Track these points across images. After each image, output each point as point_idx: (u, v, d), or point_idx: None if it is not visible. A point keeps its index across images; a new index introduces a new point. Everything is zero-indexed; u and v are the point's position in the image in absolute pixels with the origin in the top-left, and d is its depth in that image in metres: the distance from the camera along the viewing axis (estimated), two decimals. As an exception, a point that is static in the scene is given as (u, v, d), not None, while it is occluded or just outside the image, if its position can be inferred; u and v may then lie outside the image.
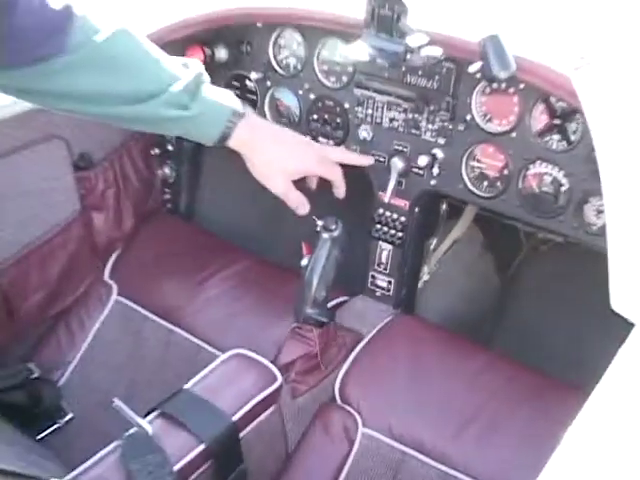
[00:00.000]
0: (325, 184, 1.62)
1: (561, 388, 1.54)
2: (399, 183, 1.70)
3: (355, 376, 1.63)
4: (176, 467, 1.27)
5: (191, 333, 1.77)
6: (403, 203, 1.74)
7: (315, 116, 1.78)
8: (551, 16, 1.12)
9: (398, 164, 1.67)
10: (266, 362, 1.57)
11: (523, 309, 2.09)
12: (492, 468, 1.43)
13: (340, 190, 1.64)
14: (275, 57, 1.80)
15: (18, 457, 1.28)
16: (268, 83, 1.82)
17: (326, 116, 1.76)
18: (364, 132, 1.72)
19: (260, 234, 2.08)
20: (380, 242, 1.81)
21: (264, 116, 1.83)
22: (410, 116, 1.65)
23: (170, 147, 2.06)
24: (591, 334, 1.50)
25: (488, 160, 1.60)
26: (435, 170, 1.66)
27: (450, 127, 1.61)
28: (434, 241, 1.88)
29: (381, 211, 1.76)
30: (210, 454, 1.35)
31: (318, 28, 1.69)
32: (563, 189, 1.52)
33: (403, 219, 1.76)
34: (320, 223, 1.61)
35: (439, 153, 1.64)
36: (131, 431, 1.30)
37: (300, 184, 1.58)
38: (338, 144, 1.76)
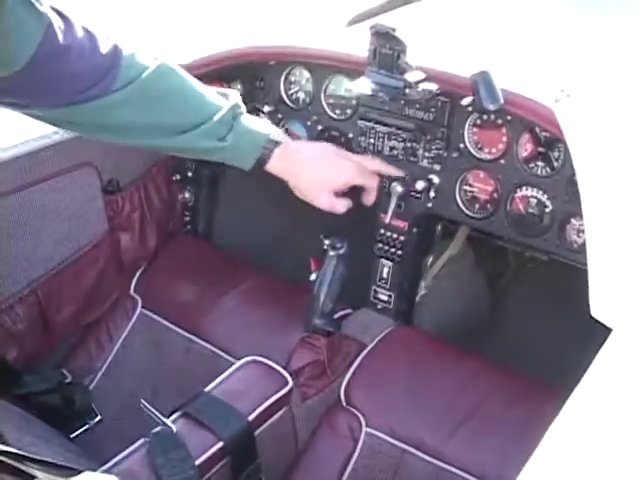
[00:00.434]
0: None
1: (546, 391, 1.53)
2: (399, 206, 1.71)
3: (359, 381, 1.63)
4: (197, 462, 1.28)
5: (209, 342, 1.78)
6: (402, 224, 1.75)
7: (322, 145, 1.79)
8: (531, 51, 1.15)
9: (398, 188, 1.68)
10: (278, 368, 1.57)
11: (512, 320, 2.10)
12: (484, 463, 1.44)
13: (371, 197, 1.65)
14: (286, 92, 1.82)
15: (56, 452, 1.29)
16: (280, 115, 1.84)
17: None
18: (366, 159, 1.73)
19: (272, 252, 2.08)
20: (381, 259, 1.81)
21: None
22: (408, 145, 1.66)
23: (190, 173, 2.07)
24: (573, 340, 1.51)
25: (479, 185, 1.62)
26: (431, 194, 1.67)
27: (445, 155, 1.63)
28: (430, 259, 1.88)
29: (382, 231, 1.77)
30: (228, 450, 1.36)
31: (325, 66, 1.72)
32: (547, 210, 1.54)
33: (402, 238, 1.77)
34: (327, 242, 1.63)
35: (435, 178, 1.66)
36: (156, 429, 1.31)
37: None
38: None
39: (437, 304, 1.92)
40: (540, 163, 1.52)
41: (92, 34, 1.23)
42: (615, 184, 1.16)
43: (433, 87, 1.48)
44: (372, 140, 1.71)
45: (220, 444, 1.35)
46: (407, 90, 1.46)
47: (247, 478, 1.42)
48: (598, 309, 1.06)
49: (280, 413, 1.53)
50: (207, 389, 1.47)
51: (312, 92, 1.79)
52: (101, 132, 1.35)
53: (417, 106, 1.61)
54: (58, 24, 1.18)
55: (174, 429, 1.32)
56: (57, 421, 1.54)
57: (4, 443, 1.11)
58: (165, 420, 1.34)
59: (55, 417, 1.57)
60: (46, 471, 0.79)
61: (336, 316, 1.72)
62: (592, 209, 1.15)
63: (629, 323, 1.03)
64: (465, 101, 1.44)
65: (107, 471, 1.23)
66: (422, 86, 1.46)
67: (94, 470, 1.19)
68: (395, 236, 1.77)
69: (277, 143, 1.45)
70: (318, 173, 1.52)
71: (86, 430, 1.67)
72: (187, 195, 2.10)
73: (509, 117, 1.52)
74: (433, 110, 1.60)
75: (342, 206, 1.57)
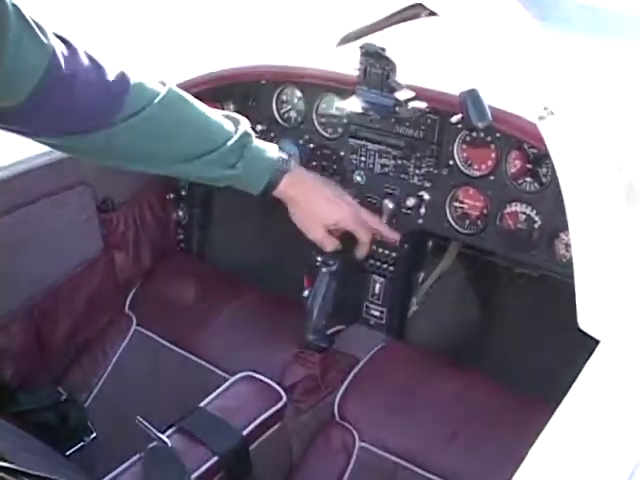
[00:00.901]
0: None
1: (539, 404, 1.53)
2: (390, 222, 1.71)
3: (352, 396, 1.64)
4: (193, 476, 1.28)
5: (203, 358, 1.78)
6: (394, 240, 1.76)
7: (314, 163, 1.80)
8: (515, 71, 1.16)
9: (389, 205, 1.69)
10: (272, 383, 1.58)
11: (503, 336, 2.10)
12: (477, 476, 1.44)
13: (362, 252, 1.66)
14: (278, 111, 1.84)
15: (52, 469, 1.29)
16: (272, 134, 1.84)
17: (324, 163, 1.79)
18: (358, 177, 1.74)
19: (264, 269, 2.09)
20: (373, 275, 1.82)
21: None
22: (399, 162, 1.68)
23: (183, 192, 2.08)
24: (565, 355, 1.52)
25: (469, 201, 1.63)
26: (422, 210, 1.69)
27: (435, 172, 1.64)
28: (422, 274, 1.89)
29: (374, 247, 1.77)
30: (223, 465, 1.36)
31: (316, 85, 1.74)
32: (536, 225, 1.55)
33: (394, 255, 1.78)
34: (320, 259, 1.65)
35: (425, 195, 1.67)
36: (152, 445, 1.32)
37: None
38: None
39: (429, 319, 1.93)
40: (529, 179, 1.54)
41: (98, 62, 1.21)
42: (599, 198, 1.18)
43: (423, 105, 1.49)
44: (363, 158, 1.73)
45: (215, 459, 1.35)
46: (397, 108, 1.48)
47: (242, 492, 1.42)
48: (585, 322, 1.08)
49: (274, 428, 1.53)
50: (202, 404, 1.48)
51: (304, 111, 1.80)
52: (107, 159, 1.34)
53: (407, 124, 1.63)
54: (62, 52, 1.15)
55: (169, 444, 1.33)
56: (53, 438, 1.53)
57: (1, 459, 1.11)
58: (160, 435, 1.34)
59: (51, 435, 1.56)
60: (43, 486, 0.80)
61: (329, 332, 1.73)
62: (578, 222, 1.16)
63: (616, 334, 1.05)
64: (454, 119, 1.45)
65: (103, 486, 1.23)
66: (412, 104, 1.48)
67: (90, 486, 1.20)
68: (387, 252, 1.78)
69: (286, 170, 1.45)
70: (319, 208, 1.53)
71: (82, 447, 1.66)
72: (181, 213, 2.11)
73: (498, 134, 1.53)
74: (423, 128, 1.62)
75: (330, 245, 1.58)
